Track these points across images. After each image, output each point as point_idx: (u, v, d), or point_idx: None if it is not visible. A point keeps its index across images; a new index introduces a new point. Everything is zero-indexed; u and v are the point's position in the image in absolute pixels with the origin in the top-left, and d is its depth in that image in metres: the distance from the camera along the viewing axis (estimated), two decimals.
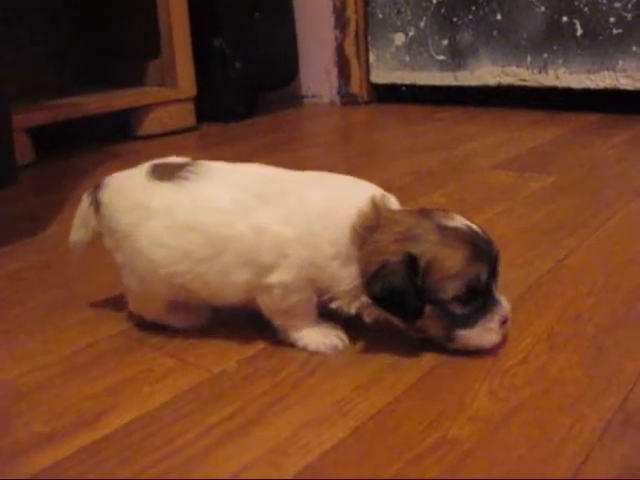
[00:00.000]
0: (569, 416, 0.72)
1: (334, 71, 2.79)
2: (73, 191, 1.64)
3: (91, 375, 0.86)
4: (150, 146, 2.16)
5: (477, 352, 0.84)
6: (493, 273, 0.84)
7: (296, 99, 2.87)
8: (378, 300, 0.82)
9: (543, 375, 0.80)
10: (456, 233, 0.83)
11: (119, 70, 2.43)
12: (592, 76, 2.28)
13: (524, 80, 2.41)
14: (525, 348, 0.86)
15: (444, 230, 0.82)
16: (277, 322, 0.90)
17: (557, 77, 2.34)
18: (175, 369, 0.86)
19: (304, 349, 0.89)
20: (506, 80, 2.44)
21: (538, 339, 0.88)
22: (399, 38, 2.63)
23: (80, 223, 0.98)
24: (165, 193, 0.89)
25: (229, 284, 0.87)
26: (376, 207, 0.86)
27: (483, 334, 0.84)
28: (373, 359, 0.86)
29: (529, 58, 2.38)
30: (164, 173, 0.91)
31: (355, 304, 0.86)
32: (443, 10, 2.53)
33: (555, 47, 2.33)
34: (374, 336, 0.90)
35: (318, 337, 0.89)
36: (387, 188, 0.92)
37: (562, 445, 0.68)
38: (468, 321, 0.83)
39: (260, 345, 0.90)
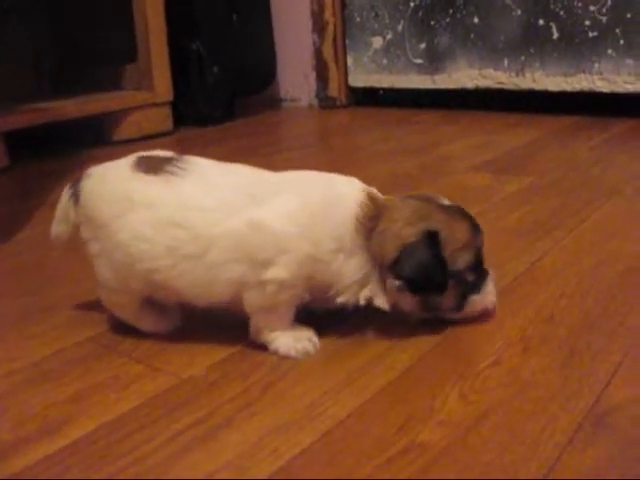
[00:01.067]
0: (540, 419, 0.71)
1: (312, 74, 2.79)
2: (47, 195, 1.62)
3: (57, 382, 0.84)
4: (127, 151, 2.12)
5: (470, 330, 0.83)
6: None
7: (274, 102, 2.86)
8: (409, 281, 0.84)
9: (515, 377, 0.79)
10: (455, 210, 0.89)
11: (95, 74, 2.41)
12: (569, 79, 2.28)
13: (501, 83, 2.41)
14: (498, 350, 0.85)
15: (445, 208, 0.89)
16: (255, 320, 0.88)
17: (534, 80, 2.34)
18: (143, 375, 0.85)
19: (275, 352, 0.87)
20: (484, 83, 2.44)
21: (511, 341, 0.87)
22: (377, 41, 2.63)
23: (60, 216, 0.96)
24: (150, 187, 0.87)
25: (218, 281, 0.85)
26: (373, 197, 0.88)
27: (486, 297, 0.91)
28: (344, 362, 0.85)
29: (506, 61, 2.39)
30: (149, 166, 0.89)
31: (364, 293, 0.87)
32: (420, 13, 2.53)
33: (532, 50, 2.33)
34: (346, 338, 0.90)
35: (290, 341, 0.87)
36: None
37: (533, 448, 0.67)
38: (475, 287, 0.89)
39: (230, 349, 0.89)
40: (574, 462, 0.65)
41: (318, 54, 2.75)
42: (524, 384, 0.78)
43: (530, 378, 0.79)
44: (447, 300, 0.88)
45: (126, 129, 2.27)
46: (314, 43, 2.75)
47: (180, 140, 2.34)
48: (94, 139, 2.28)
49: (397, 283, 0.85)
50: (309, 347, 0.87)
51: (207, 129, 2.46)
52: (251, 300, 0.86)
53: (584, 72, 2.25)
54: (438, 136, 2.18)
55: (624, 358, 0.82)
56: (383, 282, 0.86)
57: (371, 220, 0.86)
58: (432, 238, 0.84)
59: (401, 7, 2.56)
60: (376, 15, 2.62)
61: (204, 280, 0.86)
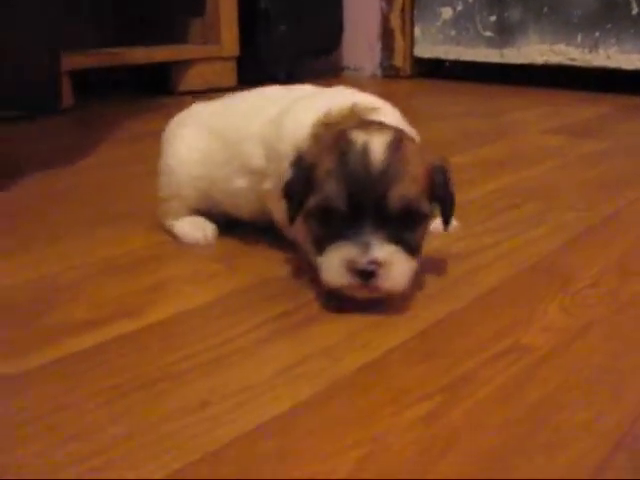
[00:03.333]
0: None
1: (377, 44, 2.74)
2: (109, 132, 1.61)
3: (132, 273, 0.82)
4: (189, 101, 2.11)
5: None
6: (373, 209, 0.68)
7: (337, 70, 2.82)
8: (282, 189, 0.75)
9: (615, 298, 0.75)
10: (343, 141, 0.70)
11: (163, 27, 2.39)
12: None
13: (573, 59, 2.34)
14: (594, 275, 0.81)
15: (340, 136, 0.71)
16: (290, 236, 0.85)
17: (608, 57, 2.27)
18: (223, 272, 0.82)
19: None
20: (554, 59, 2.38)
21: (607, 268, 0.83)
22: (446, 12, 2.57)
23: None
24: (208, 107, 0.96)
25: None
26: (352, 111, 0.77)
27: (327, 268, 0.69)
28: (434, 275, 0.81)
29: (579, 36, 2.32)
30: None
31: None
32: None
33: (608, 26, 2.26)
34: (429, 257, 0.86)
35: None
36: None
37: None
38: (320, 247, 0.70)
39: None
40: None
41: (385, 22, 2.70)
42: (624, 304, 0.74)
43: (630, 300, 0.75)
44: (303, 241, 0.79)
45: (191, 80, 2.24)
46: (382, 11, 2.70)
47: None
48: (159, 89, 2.25)
49: None
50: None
51: None
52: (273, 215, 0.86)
53: None
54: (505, 105, 2.12)
55: None
56: None
57: (325, 128, 0.76)
58: (299, 160, 0.73)
59: None
60: None
61: (230, 190, 0.89)
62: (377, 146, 0.68)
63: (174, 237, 0.92)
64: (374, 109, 0.79)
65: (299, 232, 0.80)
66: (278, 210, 0.82)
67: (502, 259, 0.85)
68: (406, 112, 0.86)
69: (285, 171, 0.75)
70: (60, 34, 1.67)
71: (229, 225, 0.93)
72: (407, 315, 0.71)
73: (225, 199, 0.90)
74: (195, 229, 0.91)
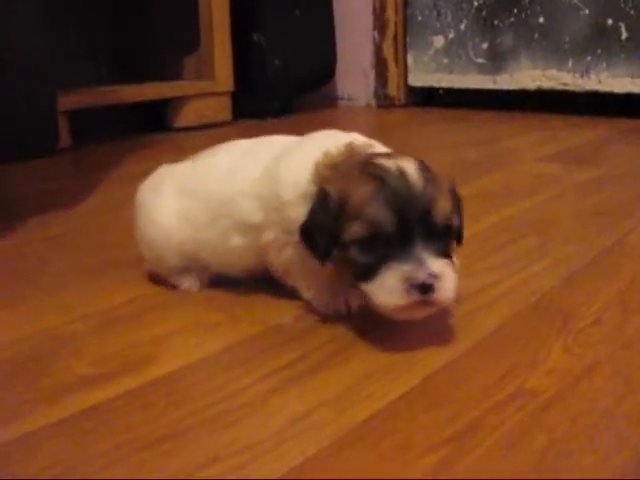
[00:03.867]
0: None
1: (371, 73, 2.76)
2: (108, 172, 1.61)
3: (135, 326, 0.81)
4: (185, 137, 2.12)
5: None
6: (420, 226, 0.70)
7: (331, 100, 2.83)
8: (300, 233, 0.76)
9: (619, 334, 0.75)
10: (375, 169, 0.72)
11: (157, 63, 2.41)
12: (636, 80, 2.22)
13: (565, 84, 2.36)
14: (596, 311, 0.81)
15: (367, 166, 0.73)
16: (289, 283, 0.85)
17: (599, 81, 2.29)
18: (225, 322, 0.81)
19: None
20: (547, 84, 2.40)
21: (609, 304, 0.83)
22: (438, 40, 2.60)
23: None
24: (178, 169, 0.93)
25: (230, 249, 0.86)
26: (351, 149, 0.78)
27: (382, 292, 0.70)
28: (434, 318, 0.80)
29: (571, 61, 2.34)
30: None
31: None
32: (484, 12, 2.49)
33: (598, 50, 2.28)
34: None
35: (324, 296, 0.82)
36: None
37: None
38: (369, 273, 0.71)
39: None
40: None
41: (378, 52, 2.72)
42: (629, 340, 0.74)
43: (635, 335, 0.75)
44: (343, 275, 0.77)
45: (186, 116, 2.25)
46: (374, 41, 2.72)
47: (238, 130, 2.32)
48: (154, 126, 2.26)
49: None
50: (341, 306, 0.82)
51: (265, 121, 2.44)
52: (274, 266, 0.85)
53: None
54: (500, 132, 2.14)
55: None
56: None
57: (330, 169, 0.77)
58: (322, 197, 0.73)
59: (464, 6, 2.53)
60: (438, 14, 2.58)
61: (220, 249, 0.87)
62: (412, 169, 0.71)
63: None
64: (369, 145, 0.81)
65: (297, 277, 0.83)
66: (279, 259, 0.82)
67: (503, 298, 0.85)
68: (402, 142, 0.87)
69: (293, 217, 0.77)
70: (56, 75, 1.68)
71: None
72: (410, 362, 0.70)
73: (216, 259, 0.88)
74: (187, 278, 0.91)
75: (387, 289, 0.69)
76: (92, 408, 0.64)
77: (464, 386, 0.66)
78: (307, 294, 0.84)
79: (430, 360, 0.71)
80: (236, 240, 0.84)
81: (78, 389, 0.67)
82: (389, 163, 0.72)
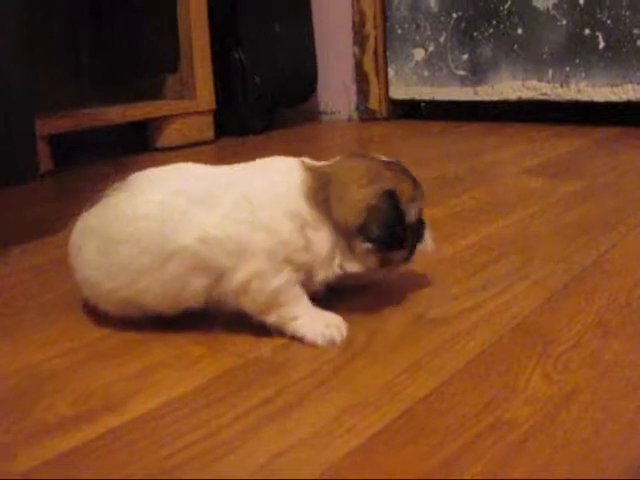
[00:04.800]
0: (633, 399, 0.67)
1: (352, 87, 2.76)
2: (90, 196, 1.60)
3: (116, 361, 0.81)
4: (168, 157, 2.12)
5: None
6: None
7: (313, 115, 2.84)
8: (380, 241, 0.83)
9: (598, 359, 0.75)
10: (396, 166, 0.89)
11: (137, 83, 2.41)
12: (615, 89, 2.24)
13: (545, 94, 2.37)
14: (576, 334, 0.81)
15: (387, 165, 0.88)
16: (270, 320, 0.84)
17: (579, 90, 2.30)
18: (205, 355, 0.81)
19: (302, 340, 0.83)
20: (527, 94, 2.41)
21: (588, 326, 0.83)
22: (418, 53, 2.60)
23: None
24: (94, 214, 0.90)
25: (185, 291, 0.84)
26: (312, 168, 0.86)
27: (428, 242, 0.92)
28: (412, 346, 0.81)
29: (550, 72, 2.35)
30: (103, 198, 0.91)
31: (336, 262, 0.85)
32: (463, 25, 2.50)
33: (577, 60, 2.30)
34: (408, 326, 0.86)
35: (318, 327, 0.82)
36: None
37: (630, 426, 0.63)
38: (421, 236, 0.91)
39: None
40: None
41: (359, 66, 2.73)
42: (609, 365, 0.74)
43: (614, 360, 0.75)
44: (401, 252, 0.88)
45: (168, 136, 2.25)
46: (355, 55, 2.72)
47: (221, 148, 2.32)
48: (137, 147, 2.26)
49: (368, 245, 0.83)
50: (336, 334, 0.82)
51: (247, 138, 2.44)
52: (248, 306, 0.83)
53: (631, 82, 2.21)
54: (483, 144, 2.15)
55: None
56: (349, 247, 0.84)
57: (320, 190, 0.83)
58: (391, 197, 0.84)
59: (443, 19, 2.54)
60: (417, 27, 2.59)
61: (172, 292, 0.84)
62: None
63: None
64: (303, 159, 0.89)
65: (284, 307, 0.83)
66: (263, 293, 0.81)
67: (482, 323, 0.85)
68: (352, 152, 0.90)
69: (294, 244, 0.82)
70: (34, 100, 1.68)
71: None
72: (390, 392, 0.71)
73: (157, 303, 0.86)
74: None
75: (430, 239, 0.92)
76: (75, 450, 0.64)
77: (443, 418, 0.66)
78: (294, 325, 0.83)
79: (410, 391, 0.71)
80: (195, 283, 0.83)
81: (60, 430, 0.67)
82: (390, 160, 0.91)
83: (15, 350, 0.86)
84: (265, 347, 0.82)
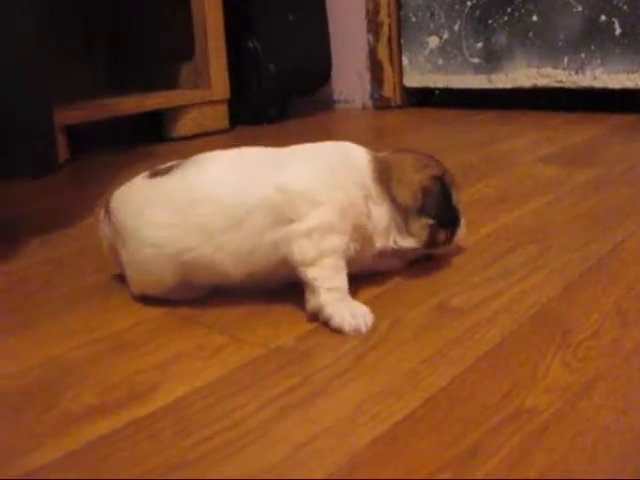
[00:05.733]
0: None
1: (366, 75, 2.76)
2: (108, 185, 1.62)
3: (140, 351, 0.82)
4: (183, 146, 2.14)
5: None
6: None
7: (327, 104, 2.84)
8: (438, 217, 0.94)
9: (618, 348, 0.76)
10: (435, 159, 1.01)
11: (152, 73, 2.41)
12: (631, 75, 2.23)
13: (560, 81, 2.36)
14: (594, 323, 0.82)
15: (431, 157, 1.00)
16: (310, 275, 0.86)
17: (594, 77, 2.29)
18: (228, 345, 0.82)
19: (326, 320, 0.85)
20: (542, 82, 2.40)
21: (607, 315, 0.84)
22: (433, 41, 2.60)
23: (102, 236, 1.00)
24: (163, 182, 0.91)
25: (261, 246, 0.87)
26: (375, 155, 0.97)
27: (463, 228, 1.02)
28: (432, 336, 0.82)
29: (566, 59, 2.34)
30: (160, 172, 0.94)
31: (393, 238, 0.95)
32: (478, 12, 2.49)
33: (593, 47, 2.29)
34: (429, 314, 0.87)
35: (345, 313, 0.84)
36: None
37: None
38: (459, 221, 1.01)
39: (315, 322, 0.86)
40: None
41: (373, 54, 2.73)
42: (629, 354, 0.75)
43: (633, 348, 0.76)
44: (443, 234, 0.96)
45: (183, 126, 2.26)
46: (369, 43, 2.72)
47: (236, 137, 2.33)
48: (152, 136, 2.27)
49: (430, 221, 0.93)
50: (362, 324, 0.83)
51: (262, 127, 2.45)
52: (298, 254, 0.85)
53: None
54: (497, 132, 2.14)
55: None
56: (405, 224, 0.94)
57: (383, 172, 0.94)
58: (441, 180, 0.95)
59: (457, 6, 2.53)
60: (432, 15, 2.59)
61: (244, 249, 0.87)
62: None
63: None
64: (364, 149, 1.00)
65: (325, 270, 0.86)
66: (318, 247, 0.85)
67: (502, 312, 0.86)
68: (399, 145, 0.91)
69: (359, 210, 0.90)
70: (51, 96, 1.69)
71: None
72: (412, 381, 0.71)
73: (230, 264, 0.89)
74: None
75: (464, 226, 1.02)
76: (100, 439, 0.65)
77: (465, 406, 0.67)
78: (326, 296, 0.85)
79: (432, 379, 0.72)
80: (268, 238, 0.87)
81: (86, 420, 0.68)
82: (426, 154, 1.02)
83: (38, 342, 0.87)
84: (286, 337, 0.83)
